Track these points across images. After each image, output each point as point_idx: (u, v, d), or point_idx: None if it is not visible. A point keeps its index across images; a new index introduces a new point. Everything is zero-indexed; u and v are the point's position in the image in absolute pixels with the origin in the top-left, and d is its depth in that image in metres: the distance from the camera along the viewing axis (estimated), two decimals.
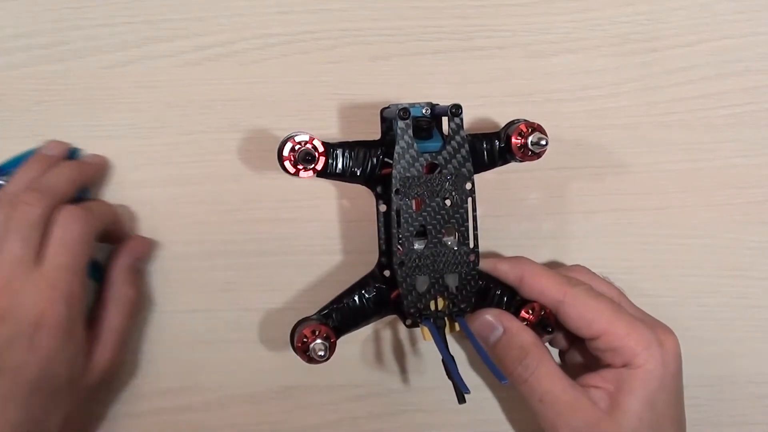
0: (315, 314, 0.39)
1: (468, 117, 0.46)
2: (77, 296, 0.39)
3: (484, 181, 0.45)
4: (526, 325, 0.39)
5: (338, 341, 0.38)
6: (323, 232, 0.46)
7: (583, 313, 0.39)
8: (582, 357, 0.42)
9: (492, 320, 0.39)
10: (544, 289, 0.39)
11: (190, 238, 0.46)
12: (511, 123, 0.39)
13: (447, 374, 0.38)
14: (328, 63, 0.47)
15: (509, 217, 0.47)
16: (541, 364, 0.38)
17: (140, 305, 0.45)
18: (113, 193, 0.46)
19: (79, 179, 0.43)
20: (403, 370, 0.47)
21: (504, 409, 0.47)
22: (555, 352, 0.44)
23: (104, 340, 0.42)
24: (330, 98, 0.46)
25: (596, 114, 0.47)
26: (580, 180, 0.47)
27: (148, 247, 0.45)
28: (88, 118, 0.46)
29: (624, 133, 0.47)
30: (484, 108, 0.47)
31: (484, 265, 0.40)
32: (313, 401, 0.46)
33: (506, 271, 0.40)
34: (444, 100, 0.47)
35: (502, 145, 0.39)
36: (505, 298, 0.40)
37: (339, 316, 0.39)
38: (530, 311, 0.40)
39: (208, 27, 0.46)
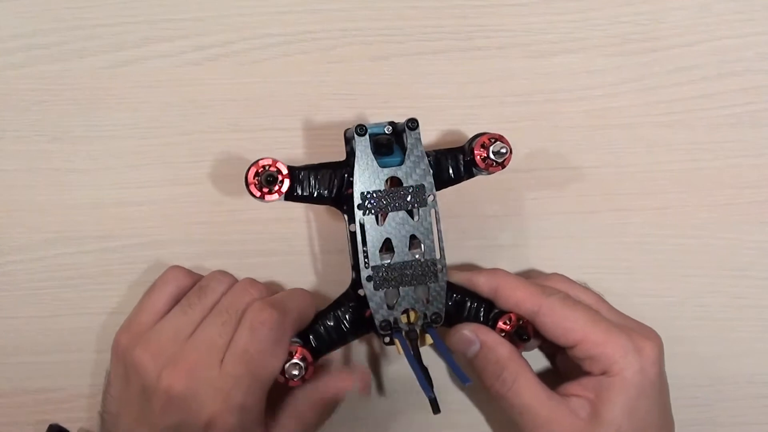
0: (294, 337, 0.39)
1: (468, 117, 0.47)
2: (251, 408, 0.36)
3: (483, 181, 0.45)
4: (504, 336, 0.39)
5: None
6: (323, 232, 0.46)
7: (559, 323, 0.39)
8: (567, 362, 0.42)
9: (469, 335, 0.39)
10: (519, 300, 0.39)
11: (190, 238, 0.46)
12: (475, 137, 0.40)
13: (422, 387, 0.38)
14: (328, 63, 0.47)
15: (509, 218, 0.47)
16: (518, 378, 0.38)
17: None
18: (113, 193, 0.46)
19: (306, 307, 0.39)
20: (402, 370, 0.47)
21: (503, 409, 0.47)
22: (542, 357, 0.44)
23: None
24: (330, 98, 0.46)
25: (596, 114, 0.47)
26: (579, 180, 0.47)
27: (351, 385, 0.39)
28: (88, 118, 0.46)
29: (624, 133, 0.47)
30: (484, 108, 0.47)
31: (460, 278, 0.40)
32: None
33: (481, 284, 0.40)
34: (444, 100, 0.47)
35: (467, 159, 0.40)
36: (482, 311, 0.40)
37: (316, 337, 0.39)
38: (507, 322, 0.40)
39: (208, 27, 0.46)
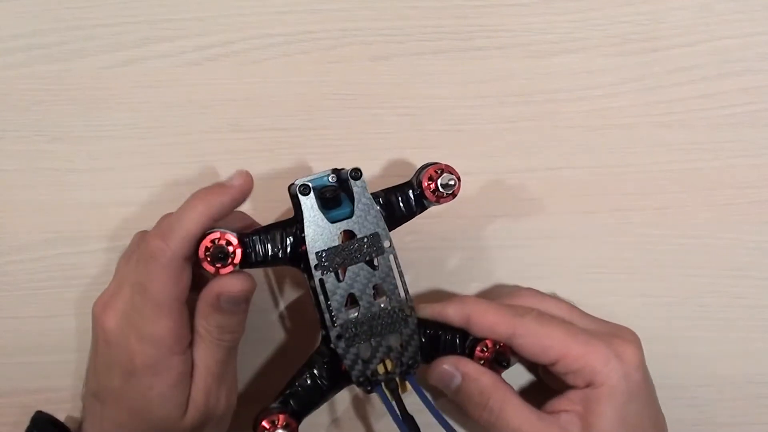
0: (274, 402, 0.38)
1: (468, 117, 0.47)
2: (162, 337, 0.36)
3: (483, 181, 0.45)
4: (483, 363, 0.39)
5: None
6: None
7: (536, 342, 0.38)
8: (551, 377, 0.41)
9: (449, 369, 0.39)
10: (493, 325, 0.39)
11: None
12: (422, 168, 0.39)
13: None
14: (328, 63, 0.47)
15: (509, 217, 0.47)
16: (504, 405, 0.38)
17: (232, 344, 0.39)
18: (113, 193, 0.46)
19: (194, 221, 0.37)
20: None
21: None
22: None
23: (195, 382, 0.38)
24: (330, 98, 0.46)
25: (596, 114, 0.47)
26: (580, 180, 0.47)
27: (237, 287, 0.37)
28: (88, 118, 0.46)
29: (624, 133, 0.47)
30: (484, 108, 0.47)
31: (430, 311, 0.40)
32: None
33: (452, 315, 0.39)
34: (444, 100, 0.47)
35: (417, 193, 0.39)
36: (457, 340, 0.40)
37: (296, 400, 0.38)
38: (485, 349, 0.39)
39: (208, 27, 0.46)
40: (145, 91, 0.46)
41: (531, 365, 0.43)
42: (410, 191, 0.39)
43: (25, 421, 0.41)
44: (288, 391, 0.38)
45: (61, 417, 0.42)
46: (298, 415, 0.38)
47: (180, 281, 0.37)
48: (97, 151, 0.46)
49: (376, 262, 0.38)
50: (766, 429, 0.47)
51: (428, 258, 0.46)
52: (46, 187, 0.46)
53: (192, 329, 0.38)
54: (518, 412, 0.38)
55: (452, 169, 0.38)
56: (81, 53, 0.46)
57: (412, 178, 0.39)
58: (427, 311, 0.40)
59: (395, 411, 0.37)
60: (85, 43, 0.46)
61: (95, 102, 0.46)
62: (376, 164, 0.45)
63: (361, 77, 0.46)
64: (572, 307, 0.42)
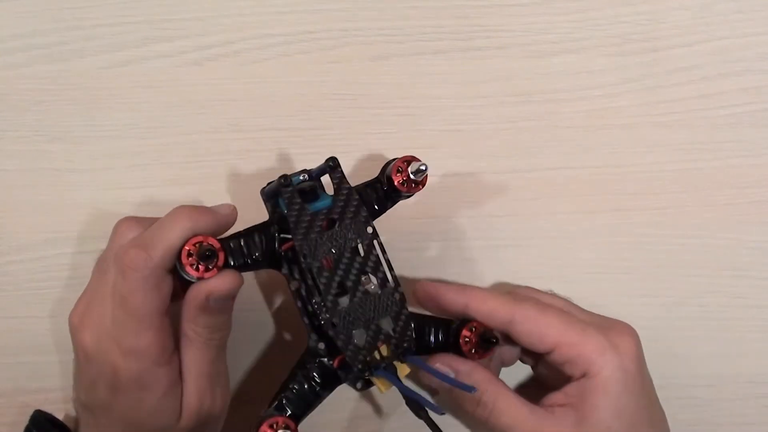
0: (269, 407, 0.38)
1: (468, 117, 0.47)
2: (145, 350, 0.36)
3: (483, 181, 0.45)
4: (469, 344, 0.39)
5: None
6: None
7: (534, 329, 0.38)
8: (549, 371, 0.42)
9: (441, 368, 0.39)
10: (492, 310, 0.39)
11: None
12: (387, 164, 0.39)
13: (417, 414, 0.37)
14: (328, 63, 0.47)
15: (509, 217, 0.47)
16: (497, 400, 0.38)
17: (221, 342, 0.39)
18: (113, 194, 0.46)
19: (176, 234, 0.36)
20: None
21: None
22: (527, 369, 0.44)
23: (187, 386, 0.38)
24: (330, 98, 0.46)
25: (596, 114, 0.47)
26: (580, 180, 0.47)
27: (226, 285, 0.36)
28: (88, 118, 0.46)
29: (624, 133, 0.47)
30: (484, 108, 0.47)
31: (430, 290, 0.40)
32: None
33: (451, 299, 0.40)
34: (444, 100, 0.47)
35: (386, 189, 0.39)
36: (441, 331, 0.40)
37: (291, 403, 0.38)
38: (472, 329, 0.39)
39: (208, 27, 0.46)
40: (145, 91, 0.46)
41: (530, 360, 0.43)
42: (379, 186, 0.39)
43: (25, 421, 0.41)
44: (282, 395, 0.38)
45: (60, 417, 0.42)
46: (295, 418, 0.38)
47: (161, 292, 0.36)
48: (97, 151, 0.46)
49: (360, 249, 0.37)
50: (766, 429, 0.47)
51: (427, 258, 0.46)
52: (46, 187, 0.46)
53: (175, 337, 0.37)
54: (511, 407, 0.38)
55: (418, 158, 0.38)
56: (81, 53, 0.46)
57: (379, 175, 0.39)
58: (427, 289, 0.40)
59: (404, 385, 0.37)
60: (85, 43, 0.46)
61: (95, 102, 0.46)
62: (377, 165, 0.45)
63: (361, 77, 0.46)
64: (569, 302, 0.42)
